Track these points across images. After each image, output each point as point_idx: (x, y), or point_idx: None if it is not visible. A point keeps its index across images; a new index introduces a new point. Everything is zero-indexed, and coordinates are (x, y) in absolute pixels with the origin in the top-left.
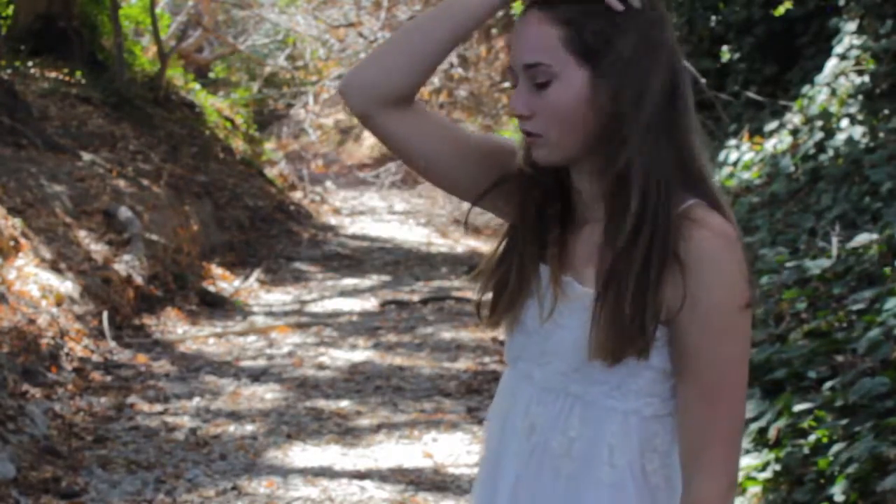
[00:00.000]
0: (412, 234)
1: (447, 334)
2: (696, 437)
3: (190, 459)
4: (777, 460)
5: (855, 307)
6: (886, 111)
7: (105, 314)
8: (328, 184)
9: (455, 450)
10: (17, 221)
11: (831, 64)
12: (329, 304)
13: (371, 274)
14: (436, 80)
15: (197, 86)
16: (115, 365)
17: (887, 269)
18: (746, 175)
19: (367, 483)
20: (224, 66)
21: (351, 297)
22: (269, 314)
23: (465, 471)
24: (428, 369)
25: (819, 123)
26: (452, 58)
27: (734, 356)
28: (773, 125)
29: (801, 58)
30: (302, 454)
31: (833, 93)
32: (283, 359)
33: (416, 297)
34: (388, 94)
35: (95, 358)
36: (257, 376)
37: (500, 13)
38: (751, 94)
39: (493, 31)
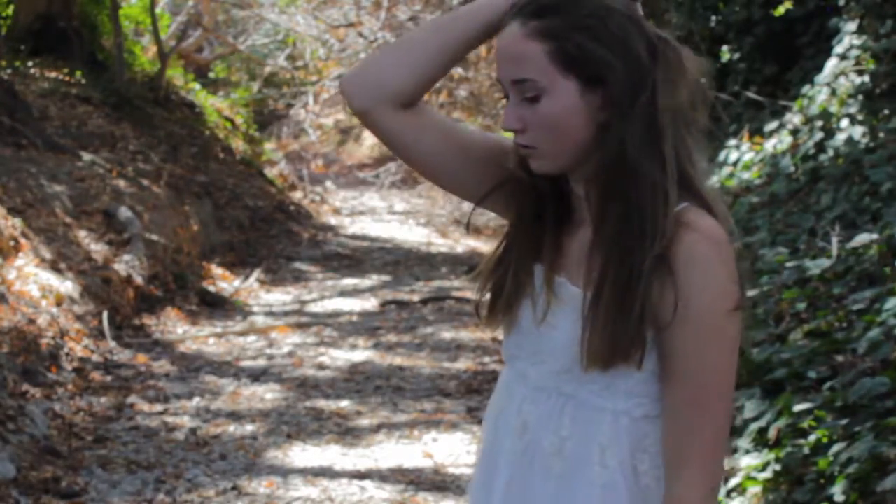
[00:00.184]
0: (412, 234)
1: (447, 334)
2: (679, 439)
3: (190, 459)
4: (777, 460)
5: (855, 307)
6: (886, 111)
7: (105, 314)
8: (328, 184)
9: (455, 450)
10: (17, 221)
11: (831, 64)
12: (329, 304)
13: (371, 274)
14: None
15: (197, 86)
16: (115, 365)
17: (887, 269)
18: (746, 175)
19: (367, 483)
20: (224, 66)
21: (351, 297)
22: (269, 314)
23: (465, 471)
24: (428, 369)
25: (819, 123)
26: None
27: (720, 360)
28: (773, 125)
29: (801, 58)
30: (302, 454)
31: (833, 93)
32: (283, 359)
33: (416, 297)
34: (391, 93)
35: (95, 358)
36: (257, 376)
37: None
38: (751, 94)
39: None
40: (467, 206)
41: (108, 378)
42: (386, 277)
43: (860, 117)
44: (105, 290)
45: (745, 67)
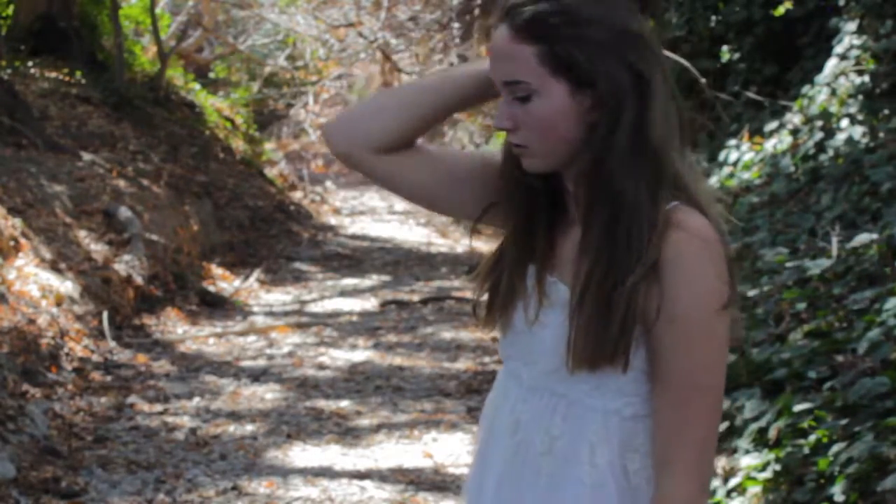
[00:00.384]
0: (412, 234)
1: (447, 334)
2: (668, 438)
3: (190, 459)
4: (777, 460)
5: (855, 307)
6: (886, 111)
7: (105, 314)
8: (328, 184)
9: (455, 450)
10: (17, 221)
11: (831, 64)
12: (329, 304)
13: (371, 274)
14: None
15: (197, 86)
16: (115, 365)
17: (887, 269)
18: (746, 175)
19: (367, 483)
20: (224, 66)
21: (351, 297)
22: (269, 314)
23: (465, 471)
24: (428, 369)
25: (819, 123)
26: (453, 58)
27: (709, 359)
28: (773, 125)
29: (801, 58)
30: (302, 454)
31: (833, 93)
32: (283, 359)
33: (416, 297)
34: (369, 142)
35: (95, 358)
36: (257, 376)
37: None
38: (751, 94)
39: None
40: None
41: (108, 378)
42: (386, 277)
43: (860, 117)
44: (105, 290)
45: (745, 67)
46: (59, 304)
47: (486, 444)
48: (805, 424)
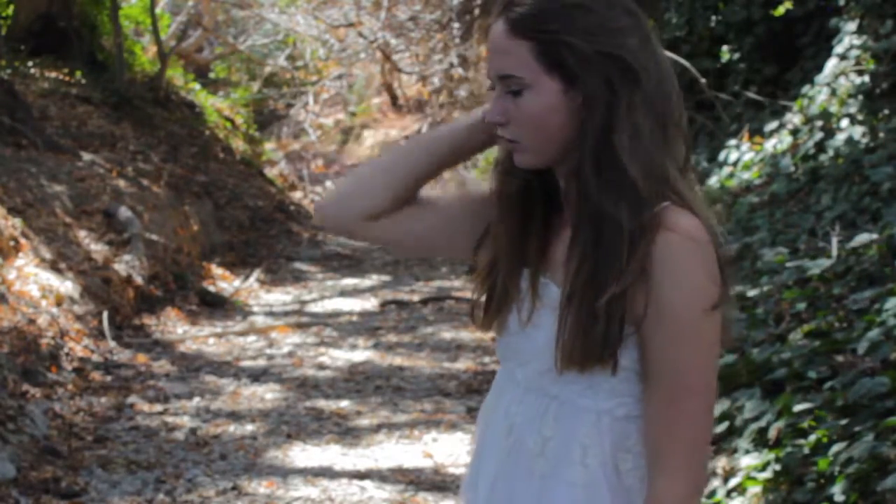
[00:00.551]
0: None
1: (447, 334)
2: (659, 438)
3: (190, 459)
4: (777, 460)
5: (855, 307)
6: (886, 111)
7: (105, 314)
8: (328, 184)
9: (455, 450)
10: (17, 221)
11: (831, 64)
12: (329, 304)
13: (371, 274)
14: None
15: (197, 86)
16: (115, 365)
17: (887, 269)
18: (746, 175)
19: (367, 483)
20: (224, 66)
21: (351, 297)
22: (269, 314)
23: (465, 471)
24: (428, 369)
25: (819, 123)
26: (453, 58)
27: (698, 360)
28: (773, 125)
29: (801, 58)
30: (302, 454)
31: (833, 93)
32: (283, 359)
33: (416, 297)
34: (366, 212)
35: (95, 358)
36: (257, 376)
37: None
38: (751, 94)
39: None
40: None
41: (108, 378)
42: (386, 277)
43: (860, 117)
44: (105, 290)
45: (745, 67)
46: (59, 304)
47: (482, 445)
48: (805, 424)
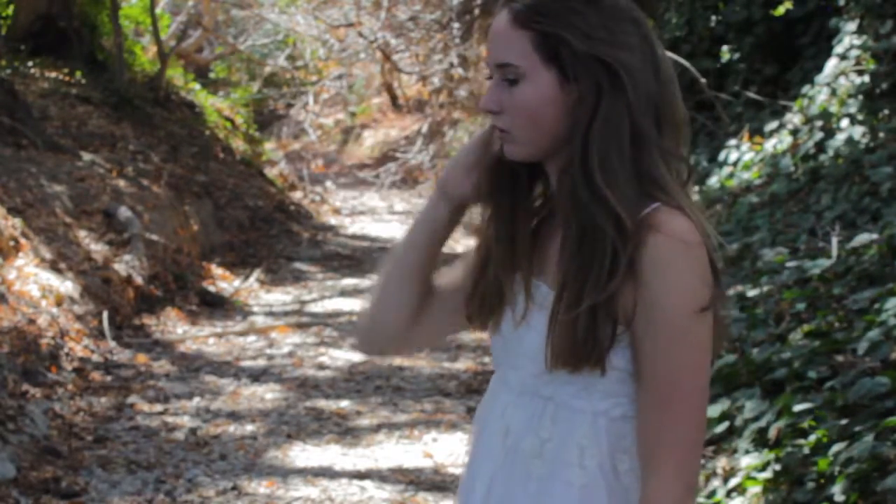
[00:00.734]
0: None
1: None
2: (651, 439)
3: (190, 459)
4: (777, 460)
5: (855, 307)
6: (886, 111)
7: (105, 314)
8: (328, 184)
9: (455, 450)
10: (17, 221)
11: (831, 64)
12: (329, 304)
13: (371, 274)
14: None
15: (197, 86)
16: (115, 365)
17: (887, 269)
18: (746, 175)
19: (367, 483)
20: (224, 66)
21: (351, 297)
22: (269, 314)
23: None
24: (428, 369)
25: (819, 123)
26: (453, 58)
27: (688, 361)
28: (773, 125)
29: (801, 58)
30: (302, 454)
31: (833, 93)
32: (283, 359)
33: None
34: (394, 330)
35: (95, 358)
36: (257, 376)
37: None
38: (751, 94)
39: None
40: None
41: (108, 378)
42: None
43: (860, 117)
44: (105, 290)
45: (745, 67)
46: (59, 304)
47: (477, 448)
48: (805, 424)
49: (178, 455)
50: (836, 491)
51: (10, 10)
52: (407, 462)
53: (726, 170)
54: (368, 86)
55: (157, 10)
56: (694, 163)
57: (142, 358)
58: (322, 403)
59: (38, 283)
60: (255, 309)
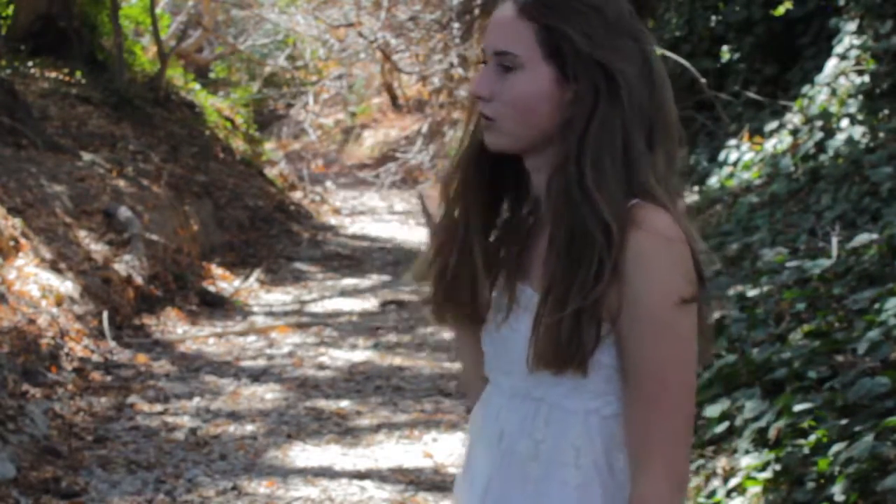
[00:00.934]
0: (412, 234)
1: (447, 334)
2: (639, 436)
3: (190, 459)
4: (777, 460)
5: (855, 307)
6: (886, 111)
7: (105, 314)
8: (328, 184)
9: (455, 450)
10: (17, 221)
11: (831, 64)
12: (329, 304)
13: (371, 274)
14: (436, 81)
15: (197, 86)
16: (115, 365)
17: (887, 269)
18: (746, 175)
19: (367, 483)
20: (224, 66)
21: (351, 297)
22: (269, 314)
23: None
24: (428, 369)
25: (819, 123)
26: (453, 58)
27: (673, 356)
28: (773, 125)
29: (801, 58)
30: (302, 454)
31: (833, 93)
32: (283, 359)
33: (416, 297)
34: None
35: (95, 358)
36: (257, 376)
37: None
38: (751, 94)
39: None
40: None
41: (108, 378)
42: (386, 277)
43: (860, 117)
44: (105, 290)
45: (745, 67)
46: (59, 304)
47: (473, 451)
48: (805, 424)
49: (178, 455)
50: (836, 491)
51: (10, 10)
52: (407, 462)
53: (726, 170)
54: (368, 86)
55: (157, 10)
56: (694, 163)
57: (142, 358)
58: (322, 403)
59: (38, 283)
60: (255, 309)
